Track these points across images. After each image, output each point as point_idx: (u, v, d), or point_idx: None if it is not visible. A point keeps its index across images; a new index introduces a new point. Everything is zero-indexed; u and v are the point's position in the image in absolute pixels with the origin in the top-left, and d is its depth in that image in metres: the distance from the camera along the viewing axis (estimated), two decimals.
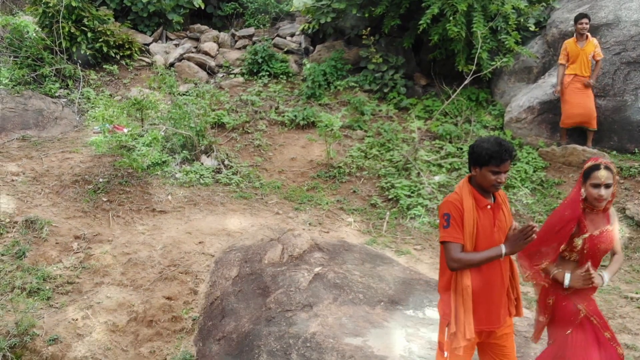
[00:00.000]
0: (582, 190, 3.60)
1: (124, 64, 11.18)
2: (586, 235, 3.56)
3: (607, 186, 3.53)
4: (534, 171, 8.65)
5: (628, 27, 8.89)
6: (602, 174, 3.51)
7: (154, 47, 11.86)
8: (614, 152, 8.70)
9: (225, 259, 6.33)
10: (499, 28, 9.70)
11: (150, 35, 12.15)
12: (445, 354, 3.51)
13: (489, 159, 3.29)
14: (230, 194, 8.00)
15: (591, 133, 8.68)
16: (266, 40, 11.83)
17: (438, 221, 7.57)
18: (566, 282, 3.58)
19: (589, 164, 3.62)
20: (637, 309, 5.94)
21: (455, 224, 3.35)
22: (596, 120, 8.56)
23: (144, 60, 11.47)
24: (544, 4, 10.31)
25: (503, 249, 3.31)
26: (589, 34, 8.48)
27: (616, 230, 3.73)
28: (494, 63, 9.42)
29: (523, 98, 9.52)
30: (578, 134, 8.88)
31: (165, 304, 5.71)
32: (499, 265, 3.43)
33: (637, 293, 6.28)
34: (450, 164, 8.73)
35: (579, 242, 3.57)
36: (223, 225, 7.06)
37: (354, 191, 8.36)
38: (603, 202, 3.57)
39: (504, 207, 3.52)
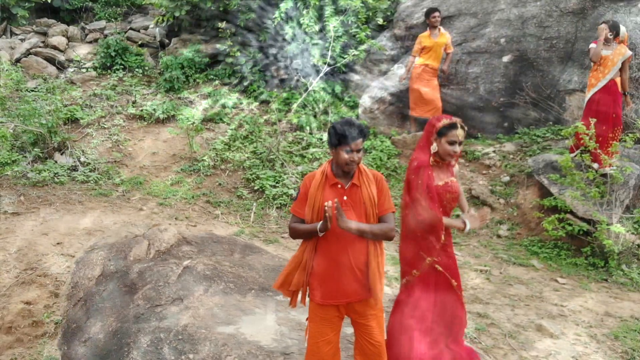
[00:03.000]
0: (435, 145, 3.89)
1: None
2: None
3: (460, 143, 3.87)
4: (388, 158, 9.16)
5: (468, 19, 9.65)
6: (460, 133, 3.85)
7: None
8: None
9: (86, 259, 6.10)
10: (349, 22, 10.11)
11: None
12: (306, 321, 3.85)
13: (341, 139, 3.50)
14: (89, 192, 7.69)
15: None
16: (119, 33, 11.43)
17: None
18: (468, 227, 3.90)
19: (445, 121, 3.89)
20: (486, 280, 6.53)
21: (300, 198, 3.67)
22: (442, 109, 9.21)
23: None
24: None
25: (318, 225, 3.54)
26: (441, 27, 9.10)
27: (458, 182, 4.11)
28: (346, 56, 9.82)
29: (375, 90, 10.02)
30: (426, 121, 9.49)
31: (24, 309, 5.42)
32: (346, 246, 3.61)
33: (485, 266, 6.89)
34: (311, 154, 9.00)
35: None
36: (82, 224, 6.77)
37: (220, 184, 8.37)
38: (454, 157, 3.91)
39: (366, 189, 3.66)
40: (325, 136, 9.33)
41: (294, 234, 3.71)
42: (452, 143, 3.84)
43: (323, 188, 3.60)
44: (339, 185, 3.62)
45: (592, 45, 7.50)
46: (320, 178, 3.62)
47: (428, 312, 3.96)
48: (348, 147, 3.50)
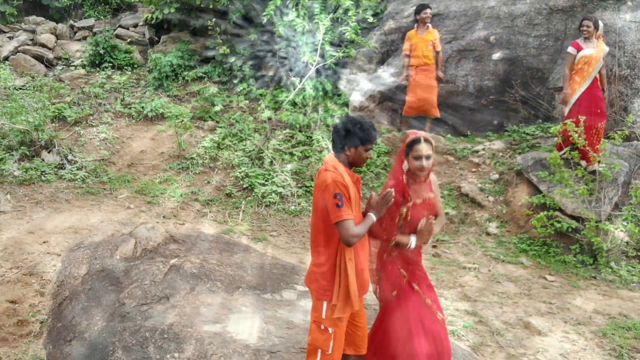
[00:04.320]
0: (405, 162, 3.88)
1: None
2: (410, 203, 3.85)
3: (428, 157, 3.81)
4: (378, 156, 9.12)
5: (457, 17, 9.65)
6: (423, 147, 3.78)
7: None
8: (449, 136, 9.45)
9: (72, 257, 6.04)
10: (339, 20, 10.08)
11: None
12: (330, 329, 3.65)
13: (367, 139, 3.56)
14: (76, 190, 7.63)
15: (429, 120, 9.32)
16: (107, 31, 11.36)
17: (294, 207, 7.83)
18: (412, 244, 3.85)
19: (410, 138, 3.87)
20: (475, 278, 6.53)
21: (346, 202, 3.53)
22: (437, 109, 9.15)
23: None
24: None
25: (373, 216, 3.62)
26: (430, 24, 9.03)
27: (437, 196, 4.07)
28: (336, 54, 9.79)
29: (365, 87, 10.00)
30: (418, 119, 9.50)
31: (9, 308, 5.37)
32: (366, 238, 3.73)
33: (473, 264, 6.89)
34: (301, 152, 8.97)
35: (403, 210, 3.85)
36: (69, 222, 6.72)
37: (209, 182, 8.32)
38: (425, 172, 3.86)
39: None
40: (315, 135, 9.30)
41: (362, 235, 3.58)
42: (417, 158, 3.81)
43: (353, 185, 3.63)
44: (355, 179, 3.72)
45: (571, 49, 7.50)
46: (348, 177, 3.61)
47: (414, 311, 3.97)
48: (369, 146, 3.60)
